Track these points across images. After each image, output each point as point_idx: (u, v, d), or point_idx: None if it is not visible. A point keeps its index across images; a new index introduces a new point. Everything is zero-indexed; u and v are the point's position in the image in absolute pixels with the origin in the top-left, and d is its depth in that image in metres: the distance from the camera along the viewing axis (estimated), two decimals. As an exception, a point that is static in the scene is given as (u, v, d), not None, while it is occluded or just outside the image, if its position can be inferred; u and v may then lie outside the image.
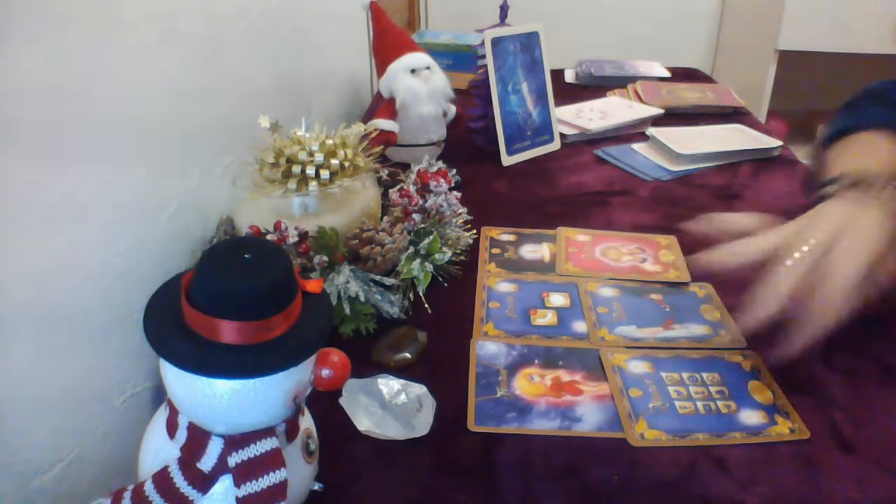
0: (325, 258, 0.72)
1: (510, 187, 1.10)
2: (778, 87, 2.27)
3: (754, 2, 2.40)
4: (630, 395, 0.64)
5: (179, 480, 0.45)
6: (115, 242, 0.63)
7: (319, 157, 0.75)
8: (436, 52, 1.30)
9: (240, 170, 0.80)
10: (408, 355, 0.69)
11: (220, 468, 0.45)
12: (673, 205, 1.03)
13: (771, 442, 0.59)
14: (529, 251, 0.90)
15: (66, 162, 0.56)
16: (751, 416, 0.62)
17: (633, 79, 1.62)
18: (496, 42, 1.14)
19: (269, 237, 0.71)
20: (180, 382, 0.44)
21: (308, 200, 0.79)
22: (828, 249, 0.60)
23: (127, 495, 0.46)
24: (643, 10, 2.59)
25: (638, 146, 1.24)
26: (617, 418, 0.62)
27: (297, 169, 0.75)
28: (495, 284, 0.82)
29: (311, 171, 0.74)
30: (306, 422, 0.51)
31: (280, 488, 0.45)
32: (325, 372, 0.47)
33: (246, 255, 0.44)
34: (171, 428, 0.47)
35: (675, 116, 1.39)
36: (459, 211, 0.88)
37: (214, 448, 0.45)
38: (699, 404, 0.63)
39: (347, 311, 0.71)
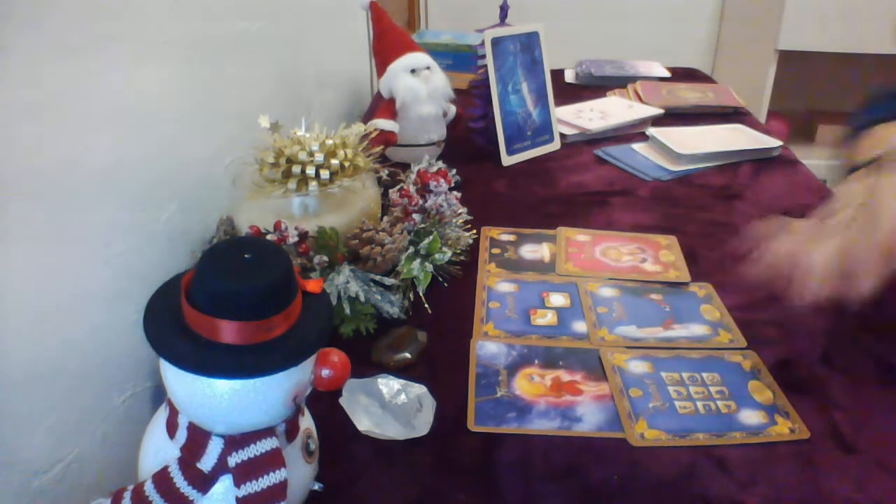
0: (325, 258, 0.72)
1: (510, 187, 1.10)
2: (778, 87, 2.26)
3: (754, 2, 2.39)
4: (630, 395, 0.64)
5: (179, 480, 0.45)
6: (115, 242, 0.62)
7: (319, 157, 0.75)
8: (436, 52, 1.30)
9: (240, 170, 0.80)
10: (408, 355, 0.69)
11: (220, 468, 0.45)
12: (673, 205, 1.03)
13: (771, 442, 0.59)
14: (529, 251, 0.90)
15: (66, 162, 0.56)
16: (751, 416, 0.62)
17: (633, 79, 1.62)
18: (496, 42, 1.14)
19: (269, 237, 0.71)
20: (180, 382, 0.44)
21: (308, 200, 0.79)
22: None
23: (127, 495, 0.46)
24: (643, 10, 2.59)
25: (638, 146, 1.24)
26: (617, 418, 0.62)
27: (297, 169, 0.75)
28: (495, 284, 0.82)
29: (311, 171, 0.75)
30: (306, 422, 0.51)
31: (280, 488, 0.45)
32: (325, 372, 0.47)
33: (246, 255, 0.44)
34: (171, 428, 0.47)
35: (675, 116, 1.39)
36: (459, 211, 0.88)
37: (214, 448, 0.45)
38: (699, 404, 0.63)
39: (347, 311, 0.71)
